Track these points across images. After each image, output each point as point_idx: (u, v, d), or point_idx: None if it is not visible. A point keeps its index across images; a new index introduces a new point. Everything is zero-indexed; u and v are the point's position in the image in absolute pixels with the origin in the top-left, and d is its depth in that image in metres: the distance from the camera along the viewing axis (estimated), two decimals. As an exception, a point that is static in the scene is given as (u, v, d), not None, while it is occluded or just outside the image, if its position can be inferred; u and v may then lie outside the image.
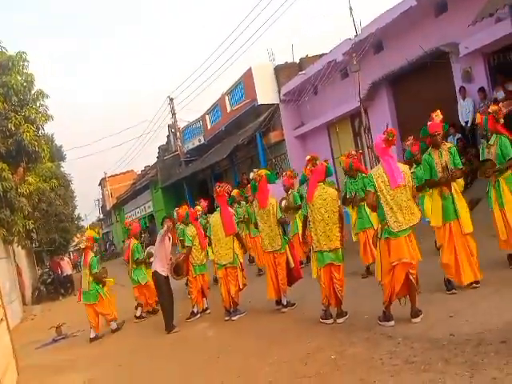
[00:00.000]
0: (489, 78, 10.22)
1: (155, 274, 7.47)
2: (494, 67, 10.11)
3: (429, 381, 3.37)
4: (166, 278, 7.51)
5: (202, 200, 9.32)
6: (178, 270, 7.65)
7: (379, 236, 4.88)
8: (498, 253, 5.73)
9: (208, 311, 7.90)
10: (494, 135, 5.52)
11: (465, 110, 10.44)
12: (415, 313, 4.72)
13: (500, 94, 9.56)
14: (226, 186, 7.31)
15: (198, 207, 8.75)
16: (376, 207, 4.89)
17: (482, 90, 10.00)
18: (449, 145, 5.58)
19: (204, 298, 7.96)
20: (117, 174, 42.91)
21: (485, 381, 3.16)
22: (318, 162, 5.79)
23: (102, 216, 49.83)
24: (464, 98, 10.44)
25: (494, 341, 3.72)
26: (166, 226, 7.54)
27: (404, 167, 4.99)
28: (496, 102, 9.56)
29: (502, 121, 5.51)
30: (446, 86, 11.12)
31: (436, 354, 3.79)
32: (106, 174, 44.48)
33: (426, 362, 3.69)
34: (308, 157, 5.97)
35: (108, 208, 44.47)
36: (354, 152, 8.02)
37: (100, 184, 48.72)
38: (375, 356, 4.11)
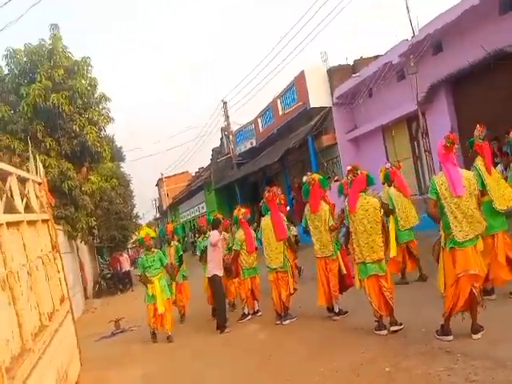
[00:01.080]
0: (559, 80, 9.60)
1: (214, 278, 7.65)
2: None
3: (491, 402, 3.23)
4: (221, 279, 7.72)
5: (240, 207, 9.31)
6: (227, 271, 7.86)
7: (443, 245, 4.71)
8: None
9: (259, 314, 7.98)
10: None
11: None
12: (476, 329, 4.52)
13: None
14: (275, 191, 7.35)
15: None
16: (437, 216, 4.72)
17: (551, 92, 9.40)
18: None
19: (255, 301, 8.06)
20: (173, 175, 44.22)
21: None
22: (358, 172, 5.73)
23: (158, 215, 51.48)
24: (531, 102, 9.86)
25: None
26: (219, 228, 7.78)
27: (468, 174, 4.80)
28: None
29: None
30: (510, 90, 10.56)
31: (499, 374, 3.62)
32: (162, 174, 45.94)
33: (488, 381, 3.54)
34: (348, 167, 5.91)
35: (164, 208, 45.89)
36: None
37: (157, 184, 50.38)
38: (432, 371, 3.99)
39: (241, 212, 8.08)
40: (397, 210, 7.49)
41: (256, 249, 8.07)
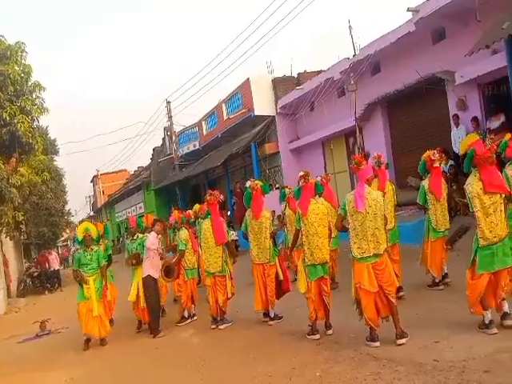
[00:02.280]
0: (482, 108, 10.46)
1: (147, 278, 7.45)
2: (488, 98, 10.38)
3: (411, 405, 3.46)
4: (156, 281, 7.56)
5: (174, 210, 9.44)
6: (168, 272, 7.71)
7: (351, 256, 5.11)
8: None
9: (195, 318, 7.94)
10: None
11: (458, 138, 10.65)
12: (400, 334, 4.82)
13: (494, 124, 9.83)
14: (217, 195, 7.33)
15: (190, 211, 8.86)
16: (344, 229, 5.18)
17: (475, 119, 10.23)
18: None
19: (193, 304, 8.00)
20: (110, 172, 42.75)
21: (467, 409, 3.26)
22: (309, 178, 5.97)
23: (92, 213, 49.47)
24: (457, 126, 10.67)
25: (478, 370, 3.82)
26: (155, 228, 7.61)
27: (377, 195, 5.07)
28: (490, 131, 9.85)
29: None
30: (440, 113, 11.38)
31: (420, 378, 3.89)
32: (98, 171, 44.28)
33: (410, 385, 3.80)
34: (301, 172, 6.10)
35: (99, 205, 44.23)
36: (319, 176, 8.40)
37: (92, 181, 48.44)
38: (359, 376, 4.20)
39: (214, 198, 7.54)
40: None
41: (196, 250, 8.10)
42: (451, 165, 10.44)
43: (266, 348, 5.68)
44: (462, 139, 10.45)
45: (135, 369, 5.98)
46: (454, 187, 9.57)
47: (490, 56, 9.53)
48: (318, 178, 8.64)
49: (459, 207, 9.38)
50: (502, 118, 9.63)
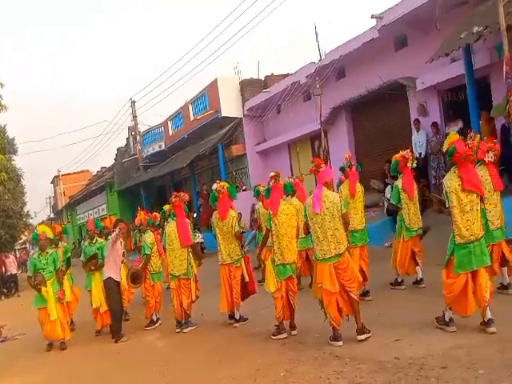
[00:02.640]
0: (442, 114, 10.88)
1: (108, 281, 7.25)
2: (447, 104, 10.78)
3: (373, 402, 3.54)
4: (118, 284, 7.40)
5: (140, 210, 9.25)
6: (135, 278, 7.59)
7: (314, 257, 5.27)
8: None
9: (159, 322, 7.82)
10: None
11: (418, 142, 11.02)
12: (360, 330, 4.94)
13: (453, 129, 10.20)
14: (182, 196, 7.23)
15: (157, 213, 8.76)
16: (307, 233, 5.33)
17: (434, 124, 10.61)
18: None
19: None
20: (71, 173, 41.60)
21: (425, 404, 3.36)
22: (279, 179, 6.07)
23: (52, 215, 47.93)
24: (418, 130, 11.02)
25: (436, 366, 3.95)
26: (117, 230, 7.35)
27: (334, 197, 5.16)
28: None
29: None
30: (402, 117, 11.74)
31: (381, 376, 3.98)
32: (59, 171, 42.96)
33: (371, 383, 3.87)
34: (272, 173, 6.19)
35: (60, 207, 42.92)
36: (292, 178, 8.69)
37: (52, 182, 46.95)
38: (322, 375, 4.26)
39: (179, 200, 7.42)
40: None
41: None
42: (412, 168, 10.75)
43: (231, 350, 5.67)
44: (421, 143, 10.89)
45: (96, 372, 5.84)
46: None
47: (450, 64, 9.91)
48: (291, 179, 8.78)
49: (428, 205, 9.70)
50: (460, 124, 10.01)
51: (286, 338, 5.62)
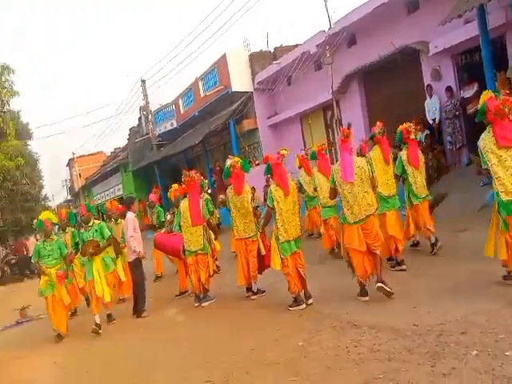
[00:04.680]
0: (456, 77, 10.57)
1: (135, 261, 7.39)
2: (461, 67, 10.46)
3: (392, 370, 3.52)
4: (139, 261, 7.51)
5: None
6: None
7: (340, 221, 5.52)
8: (467, 247, 6.12)
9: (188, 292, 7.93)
10: None
11: (431, 108, 10.78)
12: (381, 279, 5.20)
13: (468, 93, 9.93)
14: (193, 174, 7.23)
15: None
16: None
17: (449, 88, 10.33)
18: None
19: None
20: (86, 155, 41.93)
21: (445, 370, 3.33)
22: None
23: (69, 197, 48.66)
24: (431, 96, 10.76)
25: (455, 332, 3.93)
26: (133, 209, 7.59)
27: (361, 162, 5.40)
28: (464, 100, 9.96)
29: None
30: (415, 83, 11.43)
31: (399, 343, 3.97)
32: (74, 154, 43.30)
33: (390, 351, 3.86)
34: (284, 151, 6.16)
35: (76, 189, 43.50)
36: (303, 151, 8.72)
37: (68, 164, 47.45)
38: (341, 344, 4.28)
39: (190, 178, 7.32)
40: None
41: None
42: (427, 134, 10.57)
43: (249, 322, 5.75)
44: (435, 109, 10.64)
45: (119, 348, 5.98)
46: (430, 156, 9.72)
47: (463, 25, 9.57)
48: (302, 152, 8.87)
49: (436, 175, 9.57)
50: (476, 87, 9.73)
51: (303, 308, 5.67)
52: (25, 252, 18.83)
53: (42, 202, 23.94)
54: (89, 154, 41.65)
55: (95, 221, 7.33)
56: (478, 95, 9.52)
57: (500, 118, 4.54)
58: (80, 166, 43.33)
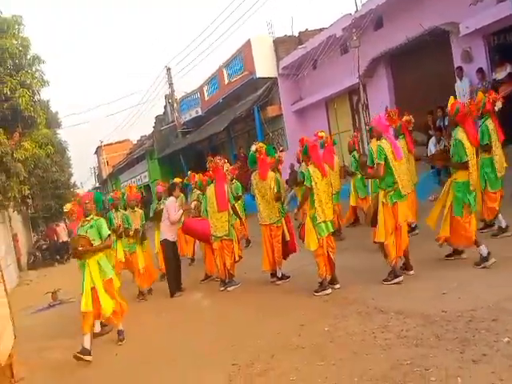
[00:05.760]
0: (488, 59, 10.17)
1: (164, 242, 7.63)
2: (494, 48, 10.06)
3: (420, 355, 3.47)
4: (174, 244, 7.72)
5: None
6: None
7: (385, 201, 5.39)
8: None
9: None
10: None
11: (462, 91, 10.42)
12: (410, 266, 5.58)
13: (500, 75, 9.56)
14: (217, 160, 7.27)
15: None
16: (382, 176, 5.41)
17: (480, 70, 9.95)
18: None
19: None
20: (113, 143, 42.61)
21: (475, 357, 3.27)
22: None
23: (97, 184, 49.69)
24: (461, 78, 10.39)
25: (486, 318, 3.85)
26: (175, 193, 7.80)
27: (401, 143, 6.03)
28: (496, 82, 9.58)
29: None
30: (445, 66, 11.06)
31: (428, 329, 3.91)
32: (101, 142, 44.08)
33: (418, 337, 3.81)
34: (322, 133, 6.98)
35: (104, 177, 44.34)
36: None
37: (96, 152, 48.37)
38: (367, 329, 4.24)
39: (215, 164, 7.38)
40: None
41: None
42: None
43: (274, 307, 5.77)
44: (465, 92, 10.28)
45: (146, 331, 6.12)
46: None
47: (496, 5, 9.20)
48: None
49: None
50: (509, 69, 9.36)
51: (329, 293, 5.64)
52: (55, 238, 19.36)
53: (72, 189, 24.47)
54: (116, 142, 42.29)
55: (95, 216, 5.87)
56: (510, 76, 9.19)
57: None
58: (107, 154, 44.07)
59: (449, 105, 5.51)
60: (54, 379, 5.10)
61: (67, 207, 6.16)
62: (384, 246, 5.40)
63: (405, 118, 7.63)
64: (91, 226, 5.69)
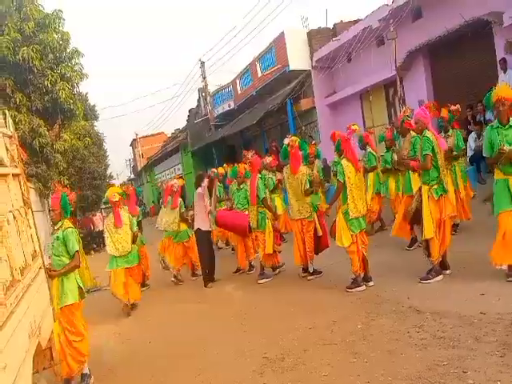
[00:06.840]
0: (534, 50, 9.73)
1: (198, 232, 7.74)
2: (541, 38, 9.60)
3: (458, 357, 3.39)
4: (208, 233, 7.82)
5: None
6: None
7: (431, 195, 5.24)
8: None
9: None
10: None
11: (506, 84, 9.99)
12: (448, 265, 5.41)
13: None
14: (248, 155, 7.46)
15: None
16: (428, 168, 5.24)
17: (525, 62, 9.54)
18: None
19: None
20: (148, 136, 43.42)
21: (516, 361, 3.16)
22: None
23: (132, 176, 50.80)
24: (505, 71, 9.97)
25: (527, 322, 3.71)
26: (203, 183, 7.91)
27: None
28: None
29: None
30: (486, 58, 10.65)
31: (465, 331, 3.81)
32: (137, 134, 45.04)
33: (455, 338, 3.71)
34: (355, 126, 6.46)
35: (139, 168, 45.27)
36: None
37: (131, 145, 49.41)
38: (402, 329, 4.17)
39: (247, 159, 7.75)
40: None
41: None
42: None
43: (305, 302, 5.74)
44: (510, 84, 9.85)
45: (177, 321, 6.21)
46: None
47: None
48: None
49: None
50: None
51: (363, 290, 5.58)
52: (92, 227, 19.90)
53: (108, 180, 25.11)
54: (151, 135, 43.06)
55: (65, 222, 4.85)
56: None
57: None
58: (142, 146, 44.94)
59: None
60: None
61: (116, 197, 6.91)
62: (430, 241, 5.22)
63: (452, 107, 7.49)
64: (56, 238, 4.77)
